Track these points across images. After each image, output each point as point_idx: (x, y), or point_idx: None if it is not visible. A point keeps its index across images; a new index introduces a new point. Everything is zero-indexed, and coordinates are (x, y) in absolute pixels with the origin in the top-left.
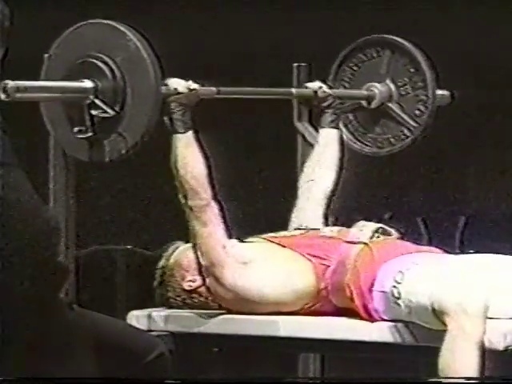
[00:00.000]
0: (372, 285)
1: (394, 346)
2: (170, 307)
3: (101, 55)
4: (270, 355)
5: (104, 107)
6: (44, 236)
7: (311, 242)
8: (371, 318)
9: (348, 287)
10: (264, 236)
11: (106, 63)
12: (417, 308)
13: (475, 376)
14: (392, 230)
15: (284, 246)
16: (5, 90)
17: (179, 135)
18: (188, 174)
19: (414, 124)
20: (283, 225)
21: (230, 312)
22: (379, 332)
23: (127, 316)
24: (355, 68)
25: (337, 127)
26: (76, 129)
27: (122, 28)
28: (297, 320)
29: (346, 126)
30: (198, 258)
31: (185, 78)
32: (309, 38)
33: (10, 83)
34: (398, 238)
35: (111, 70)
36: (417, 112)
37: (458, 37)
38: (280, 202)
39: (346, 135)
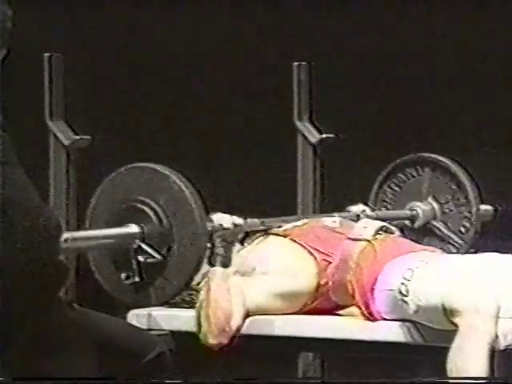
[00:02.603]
0: (374, 283)
1: (395, 345)
2: (170, 305)
3: (145, 199)
4: (270, 355)
5: (151, 252)
6: (44, 235)
7: (315, 233)
8: (372, 317)
9: (350, 284)
10: (270, 231)
11: (150, 207)
12: (426, 307)
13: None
14: (394, 228)
15: (286, 236)
16: None
17: (217, 268)
18: (219, 310)
19: (460, 241)
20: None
21: None
22: (381, 331)
23: (127, 315)
24: (396, 188)
25: None
26: (123, 275)
27: (164, 171)
28: (297, 319)
29: None
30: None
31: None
32: (309, 38)
33: None
34: (399, 236)
35: (156, 214)
36: (462, 229)
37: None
38: (279, 201)
39: None
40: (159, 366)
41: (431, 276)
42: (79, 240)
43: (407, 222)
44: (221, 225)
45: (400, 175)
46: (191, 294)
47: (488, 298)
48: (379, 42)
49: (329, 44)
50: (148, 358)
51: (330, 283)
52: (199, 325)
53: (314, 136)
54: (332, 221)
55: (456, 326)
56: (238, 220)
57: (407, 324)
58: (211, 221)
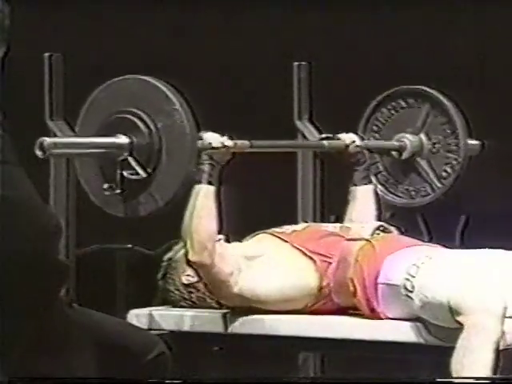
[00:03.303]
0: (376, 277)
1: (396, 344)
2: (170, 303)
3: (137, 111)
4: (271, 355)
5: (136, 167)
6: (44, 235)
7: (314, 236)
8: (374, 314)
9: (351, 281)
10: (269, 231)
11: (141, 119)
12: (431, 303)
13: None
14: (392, 228)
15: (286, 241)
16: (41, 147)
17: (202, 186)
18: (200, 226)
19: (438, 184)
20: (282, 225)
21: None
22: (382, 331)
23: (127, 315)
24: (393, 112)
25: (369, 182)
26: (105, 185)
27: (157, 83)
28: (298, 319)
29: (375, 175)
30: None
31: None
32: (309, 38)
33: (47, 140)
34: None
35: (147, 127)
36: (443, 174)
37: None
38: (279, 201)
39: (378, 187)
40: (159, 366)
41: (437, 273)
42: (69, 146)
43: (395, 154)
44: (210, 143)
45: (400, 101)
46: (191, 293)
47: (496, 298)
48: (379, 42)
49: (329, 44)
50: (148, 357)
51: (331, 284)
52: (185, 243)
53: (313, 136)
54: (332, 226)
55: (461, 325)
56: (228, 141)
57: (408, 323)
58: (201, 138)
